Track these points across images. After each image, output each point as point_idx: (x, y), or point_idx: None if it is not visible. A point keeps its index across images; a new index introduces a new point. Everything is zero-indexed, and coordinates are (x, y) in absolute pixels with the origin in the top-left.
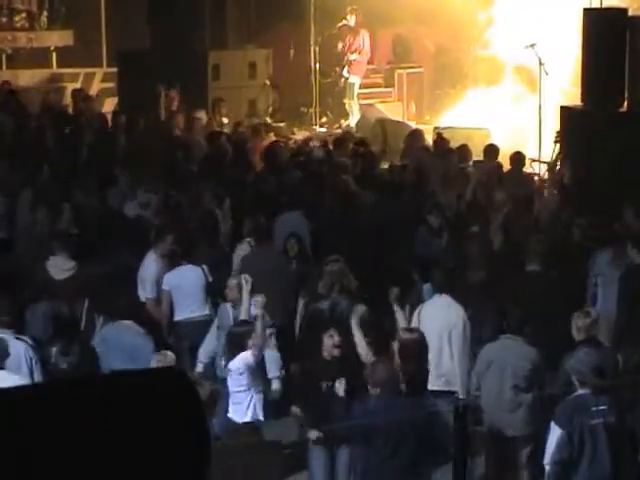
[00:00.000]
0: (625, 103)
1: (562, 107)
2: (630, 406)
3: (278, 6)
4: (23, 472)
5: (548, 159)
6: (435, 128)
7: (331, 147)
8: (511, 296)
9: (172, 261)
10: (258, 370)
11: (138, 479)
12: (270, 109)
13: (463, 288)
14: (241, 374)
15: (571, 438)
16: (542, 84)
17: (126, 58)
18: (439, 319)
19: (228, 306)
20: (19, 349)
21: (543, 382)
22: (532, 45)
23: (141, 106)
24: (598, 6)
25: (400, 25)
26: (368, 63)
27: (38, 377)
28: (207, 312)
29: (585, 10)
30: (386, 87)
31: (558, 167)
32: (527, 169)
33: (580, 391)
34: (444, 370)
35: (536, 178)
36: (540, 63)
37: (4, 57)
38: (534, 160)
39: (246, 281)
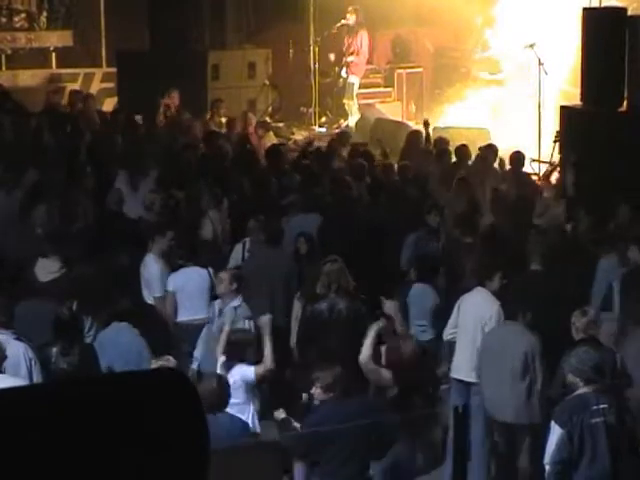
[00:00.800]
0: (624, 103)
1: (562, 107)
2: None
3: (277, 6)
4: (23, 473)
5: (547, 158)
6: (435, 128)
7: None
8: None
9: (170, 260)
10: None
11: (138, 478)
12: (269, 109)
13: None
14: (239, 388)
15: (571, 437)
16: (541, 84)
17: (125, 58)
18: (475, 310)
19: (215, 303)
20: (18, 350)
21: (541, 370)
22: (531, 45)
23: (141, 106)
24: (597, 5)
25: (400, 25)
26: (367, 63)
27: (37, 378)
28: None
29: (584, 9)
30: (385, 87)
31: (558, 168)
32: (527, 169)
33: (580, 390)
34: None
35: (535, 178)
36: (539, 63)
37: (3, 57)
38: (534, 160)
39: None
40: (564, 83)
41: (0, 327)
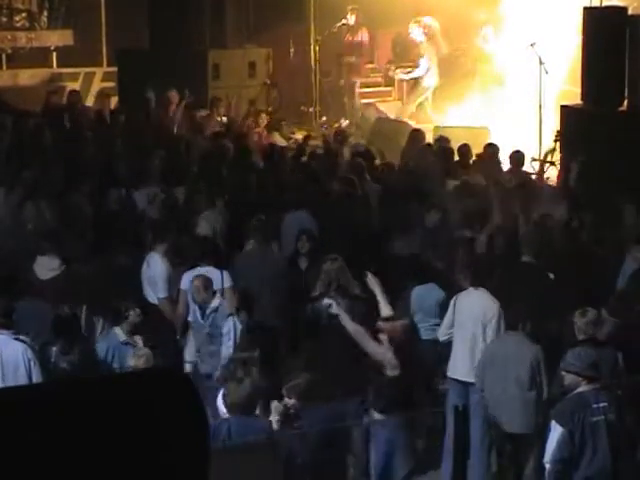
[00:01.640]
0: (625, 102)
1: (562, 106)
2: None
3: (278, 5)
4: (23, 473)
5: (547, 158)
6: (435, 127)
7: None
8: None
9: (175, 260)
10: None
11: (139, 477)
12: (270, 108)
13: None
14: None
15: (572, 436)
16: (542, 83)
17: (126, 57)
18: (475, 309)
19: (196, 307)
20: (17, 350)
21: (545, 379)
22: (532, 44)
23: (141, 105)
24: (598, 5)
25: (400, 24)
26: (368, 62)
27: (36, 378)
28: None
29: (585, 9)
30: (386, 86)
31: (551, 165)
32: (527, 168)
33: (580, 389)
34: (476, 359)
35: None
36: (540, 62)
37: (4, 57)
38: (534, 159)
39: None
40: (564, 82)
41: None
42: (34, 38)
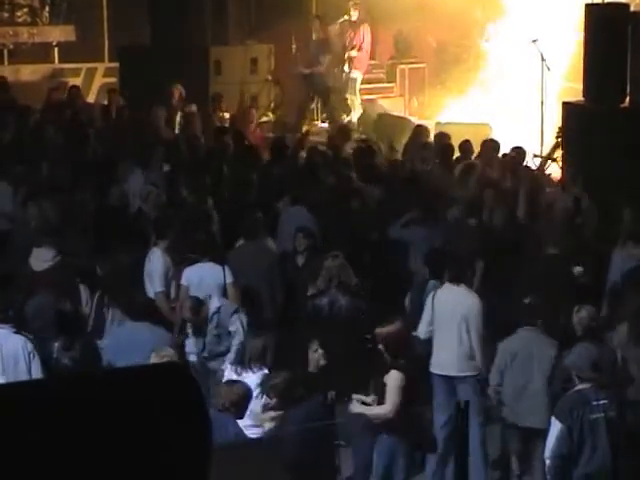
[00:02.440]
0: (627, 99)
1: (564, 103)
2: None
3: (280, 2)
4: (23, 472)
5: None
6: (437, 123)
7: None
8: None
9: (176, 255)
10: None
11: (140, 474)
12: (272, 105)
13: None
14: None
15: (571, 432)
16: (544, 80)
17: (128, 53)
18: (455, 305)
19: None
20: (17, 344)
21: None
22: (534, 41)
23: (143, 101)
24: (600, 2)
25: (402, 20)
26: (370, 58)
27: (36, 372)
28: None
29: (587, 5)
30: (388, 82)
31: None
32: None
33: (580, 386)
34: (462, 354)
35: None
36: (542, 59)
37: (6, 52)
38: (536, 155)
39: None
40: (566, 79)
41: None
42: (36, 33)
